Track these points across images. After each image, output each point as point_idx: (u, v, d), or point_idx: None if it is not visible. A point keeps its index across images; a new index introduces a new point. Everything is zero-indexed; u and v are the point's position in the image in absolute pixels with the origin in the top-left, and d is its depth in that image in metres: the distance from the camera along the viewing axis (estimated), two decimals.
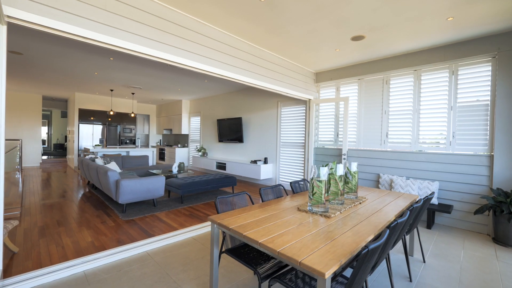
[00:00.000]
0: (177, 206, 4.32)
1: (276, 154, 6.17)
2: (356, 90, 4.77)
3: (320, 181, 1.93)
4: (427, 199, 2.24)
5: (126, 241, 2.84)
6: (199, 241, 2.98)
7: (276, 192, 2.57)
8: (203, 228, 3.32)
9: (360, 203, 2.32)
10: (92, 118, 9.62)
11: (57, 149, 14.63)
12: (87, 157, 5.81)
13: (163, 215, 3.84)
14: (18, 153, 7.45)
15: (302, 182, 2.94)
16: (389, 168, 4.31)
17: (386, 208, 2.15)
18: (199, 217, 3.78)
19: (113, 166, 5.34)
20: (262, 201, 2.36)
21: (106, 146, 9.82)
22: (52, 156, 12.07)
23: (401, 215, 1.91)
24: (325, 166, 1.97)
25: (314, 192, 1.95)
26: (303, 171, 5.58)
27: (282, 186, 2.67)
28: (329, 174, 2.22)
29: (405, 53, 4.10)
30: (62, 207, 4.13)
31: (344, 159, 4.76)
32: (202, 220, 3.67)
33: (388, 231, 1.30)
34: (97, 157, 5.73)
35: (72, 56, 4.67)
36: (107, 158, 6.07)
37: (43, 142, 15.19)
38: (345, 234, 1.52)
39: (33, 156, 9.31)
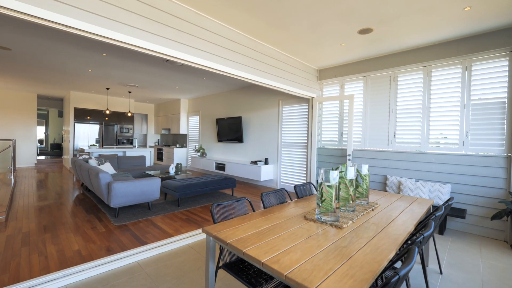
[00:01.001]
0: (173, 209, 4.09)
1: (277, 155, 5.94)
2: (362, 88, 4.54)
3: (329, 187, 1.70)
4: (448, 205, 2.02)
5: (116, 250, 2.62)
6: (195, 249, 2.76)
7: (279, 197, 2.34)
8: (200, 235, 3.09)
9: (372, 209, 2.10)
10: (88, 117, 9.38)
11: (54, 149, 14.42)
12: (80, 157, 5.59)
13: (158, 220, 3.61)
14: (11, 153, 7.23)
15: (307, 185, 2.71)
16: (397, 170, 4.09)
17: (403, 216, 1.93)
18: (196, 222, 3.56)
19: (107, 167, 5.12)
20: (264, 207, 2.13)
21: (102, 146, 9.59)
22: (49, 156, 11.85)
23: (423, 224, 1.69)
24: (336, 169, 1.75)
25: (323, 199, 1.72)
26: (305, 172, 5.35)
27: (286, 190, 2.44)
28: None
29: (414, 48, 3.88)
30: (51, 211, 3.91)
31: (349, 159, 4.53)
32: (199, 225, 3.45)
33: (416, 249, 1.08)
34: (90, 158, 5.51)
35: (63, 52, 4.44)
36: (101, 158, 5.85)
37: (41, 142, 15.00)
38: (362, 250, 1.30)
39: (28, 156, 9.09)
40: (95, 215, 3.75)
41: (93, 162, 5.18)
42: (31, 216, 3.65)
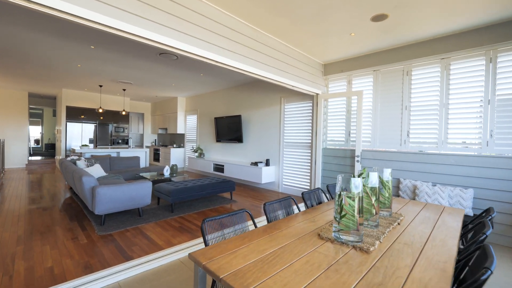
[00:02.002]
0: (166, 216, 3.74)
1: (279, 156, 5.58)
2: (371, 83, 4.19)
3: (351, 198, 1.35)
4: (491, 218, 1.66)
5: (95, 267, 2.26)
6: (188, 265, 2.40)
7: (285, 206, 1.99)
8: (194, 247, 2.73)
9: (398, 223, 1.74)
10: (82, 116, 9.02)
11: (49, 149, 14.05)
12: (68, 158, 5.23)
13: (149, 228, 3.25)
14: None
15: (316, 192, 2.36)
16: (411, 172, 3.73)
17: (438, 233, 1.57)
18: (190, 231, 3.20)
19: (96, 169, 4.76)
20: (268, 221, 1.77)
21: (96, 146, 9.23)
22: (43, 157, 11.49)
23: (474, 247, 1.33)
24: (360, 176, 1.39)
25: (343, 213, 1.37)
26: (309, 174, 5.00)
27: (292, 198, 2.09)
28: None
29: (431, 38, 3.53)
30: (31, 218, 3.55)
31: (358, 161, 4.18)
32: (194, 234, 3.09)
33: None
34: (80, 159, 5.15)
35: (48, 44, 4.08)
36: (92, 159, 5.49)
37: (37, 142, 14.71)
38: None
39: (19, 156, 8.72)
40: (79, 223, 3.39)
41: (81, 164, 4.82)
42: (7, 224, 3.29)
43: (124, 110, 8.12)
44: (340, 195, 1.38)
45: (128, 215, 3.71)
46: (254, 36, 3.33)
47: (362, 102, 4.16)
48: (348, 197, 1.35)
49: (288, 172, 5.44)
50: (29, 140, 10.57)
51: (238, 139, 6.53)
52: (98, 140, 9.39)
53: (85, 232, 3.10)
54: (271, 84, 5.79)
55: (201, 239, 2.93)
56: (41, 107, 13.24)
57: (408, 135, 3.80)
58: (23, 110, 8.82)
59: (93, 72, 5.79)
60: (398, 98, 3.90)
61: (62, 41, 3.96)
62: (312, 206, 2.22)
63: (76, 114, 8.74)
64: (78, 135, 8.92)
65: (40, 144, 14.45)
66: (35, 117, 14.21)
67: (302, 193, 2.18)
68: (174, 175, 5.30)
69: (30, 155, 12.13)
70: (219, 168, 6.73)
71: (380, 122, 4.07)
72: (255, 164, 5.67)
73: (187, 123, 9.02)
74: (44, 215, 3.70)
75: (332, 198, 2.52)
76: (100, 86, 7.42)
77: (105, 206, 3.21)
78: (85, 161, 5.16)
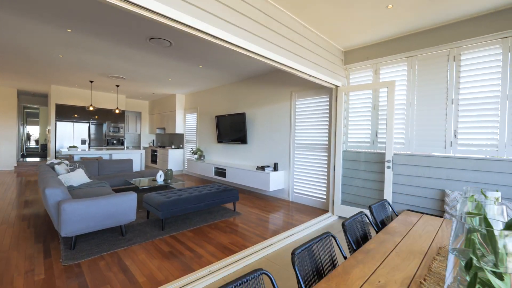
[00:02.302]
0: (154, 234, 3.03)
1: (290, 159, 4.85)
2: (405, 72, 3.44)
3: (499, 276, 0.61)
4: None
5: None
6: None
7: (323, 249, 1.25)
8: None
9: None
10: (75, 115, 8.39)
11: (44, 150, 13.51)
12: (48, 162, 4.56)
13: (130, 254, 2.55)
14: None
15: (361, 219, 1.62)
16: (460, 182, 2.98)
17: None
18: (182, 258, 2.49)
19: (78, 174, 4.08)
20: (300, 284, 1.04)
21: (89, 147, 8.58)
22: (40, 158, 10.90)
23: None
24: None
25: None
26: (325, 181, 4.26)
27: (332, 235, 1.35)
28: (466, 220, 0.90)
29: (489, 11, 2.77)
30: None
31: (388, 167, 3.43)
32: (186, 264, 2.37)
33: None
34: (61, 163, 4.48)
35: (17, 26, 3.40)
36: (75, 164, 4.82)
37: (37, 142, 14.35)
38: None
39: (6, 158, 8.11)
40: (44, 246, 2.70)
41: (60, 169, 4.15)
42: None
43: (117, 108, 7.45)
44: (471, 263, 0.64)
45: (108, 234, 3.00)
46: (264, 8, 2.61)
47: (394, 96, 3.40)
48: (494, 274, 0.62)
49: (300, 178, 4.70)
50: (19, 141, 9.99)
51: (242, 139, 5.81)
52: (91, 140, 8.76)
53: (48, 260, 2.40)
54: (279, 77, 5.07)
55: (191, 276, 2.20)
56: (37, 106, 12.70)
57: (455, 135, 3.04)
58: (12, 108, 8.22)
59: (78, 64, 5.11)
60: (441, 90, 3.14)
61: (34, 22, 3.27)
62: (359, 243, 1.48)
63: (67, 112, 8.11)
64: (70, 135, 8.29)
65: (38, 144, 14.06)
66: (32, 116, 13.75)
67: (343, 223, 1.45)
68: (169, 181, 4.60)
69: (23, 156, 11.57)
70: (220, 172, 6.01)
71: (417, 120, 3.32)
72: (262, 168, 4.94)
73: (186, 122, 8.33)
74: (7, 233, 3.02)
75: (380, 227, 1.77)
76: (91, 81, 6.75)
77: (74, 226, 2.51)
78: (67, 165, 4.49)
